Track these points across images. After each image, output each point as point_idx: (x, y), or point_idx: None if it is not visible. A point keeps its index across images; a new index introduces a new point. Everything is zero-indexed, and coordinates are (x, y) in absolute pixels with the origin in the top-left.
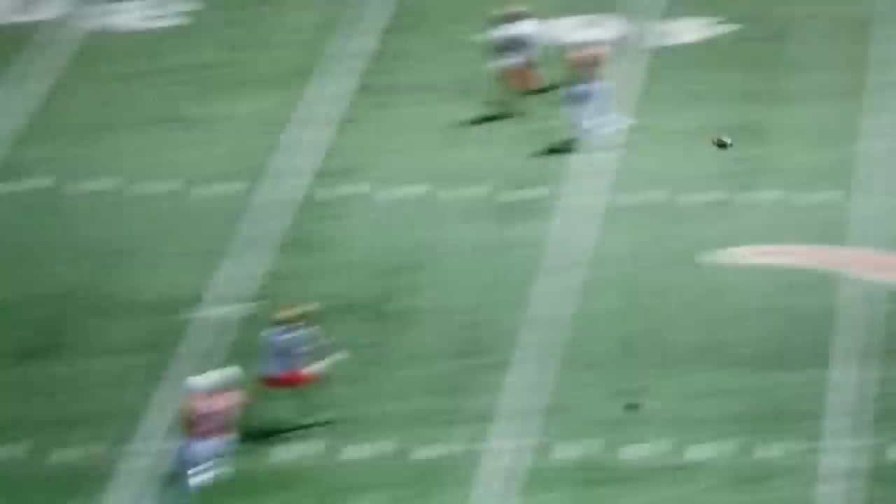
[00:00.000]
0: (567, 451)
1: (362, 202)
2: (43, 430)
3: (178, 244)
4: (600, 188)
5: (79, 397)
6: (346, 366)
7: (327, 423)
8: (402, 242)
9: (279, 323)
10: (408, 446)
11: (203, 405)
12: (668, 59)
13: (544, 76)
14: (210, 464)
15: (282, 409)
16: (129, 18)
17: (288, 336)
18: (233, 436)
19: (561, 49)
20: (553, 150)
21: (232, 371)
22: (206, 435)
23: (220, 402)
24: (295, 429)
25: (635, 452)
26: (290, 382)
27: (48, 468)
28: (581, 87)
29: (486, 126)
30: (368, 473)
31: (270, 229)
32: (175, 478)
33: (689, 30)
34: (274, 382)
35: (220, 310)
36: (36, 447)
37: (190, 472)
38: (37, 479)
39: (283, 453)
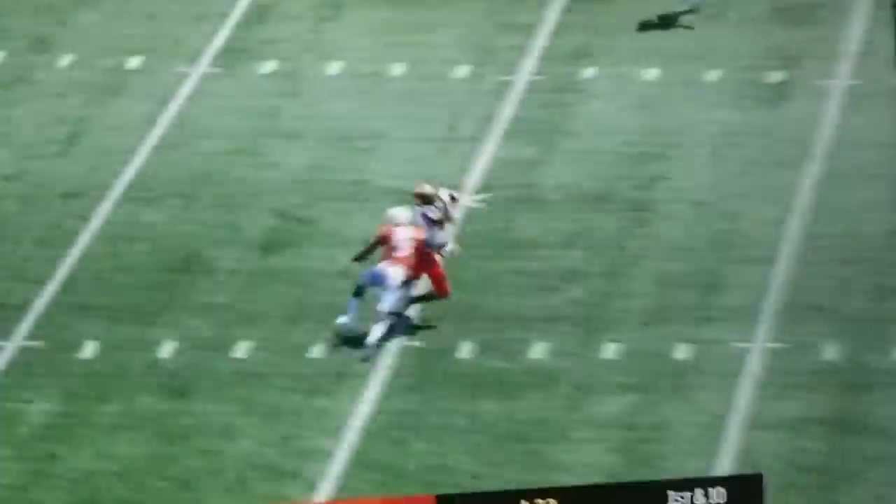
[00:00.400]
0: (828, 353)
1: (597, 85)
2: (277, 323)
3: (410, 129)
4: (844, 71)
5: (335, 289)
6: (598, 259)
7: (579, 319)
8: (642, 128)
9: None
10: (663, 344)
11: (395, 232)
12: None
13: None
14: (393, 292)
15: (531, 305)
16: None
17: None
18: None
19: None
20: (791, 31)
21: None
22: (393, 262)
23: (410, 234)
24: (544, 323)
25: None
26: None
27: (302, 363)
28: None
29: (720, 4)
30: (623, 371)
31: (503, 115)
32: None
33: None
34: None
35: (462, 197)
36: (272, 336)
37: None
38: (278, 375)
39: (536, 350)
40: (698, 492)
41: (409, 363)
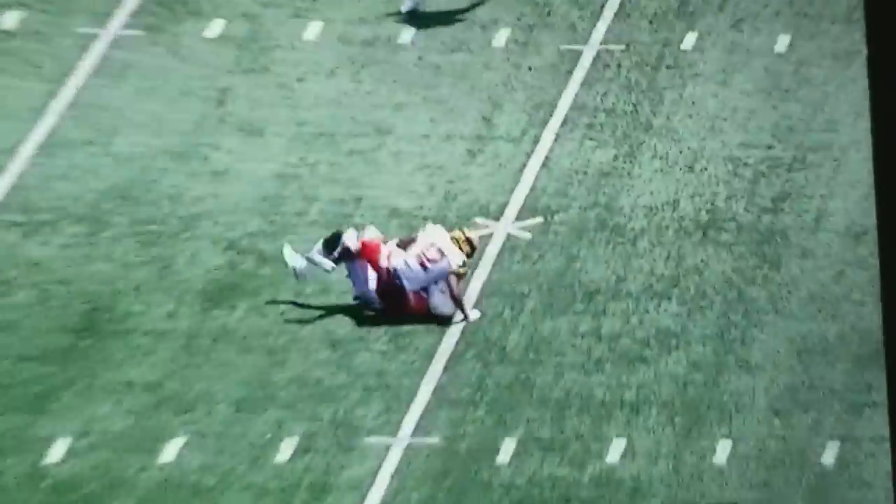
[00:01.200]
0: None
1: (701, 59)
2: (226, 410)
3: (425, 122)
4: None
5: (314, 359)
6: (704, 314)
7: (678, 404)
8: (768, 123)
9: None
10: (801, 440)
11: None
12: None
13: None
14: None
15: (605, 383)
16: None
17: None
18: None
19: None
20: None
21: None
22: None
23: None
24: (625, 411)
25: None
26: None
27: (263, 469)
28: None
29: None
30: (743, 480)
31: (563, 102)
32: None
33: None
34: None
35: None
36: (219, 430)
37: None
38: (227, 488)
39: (613, 450)
40: None
41: (423, 468)
